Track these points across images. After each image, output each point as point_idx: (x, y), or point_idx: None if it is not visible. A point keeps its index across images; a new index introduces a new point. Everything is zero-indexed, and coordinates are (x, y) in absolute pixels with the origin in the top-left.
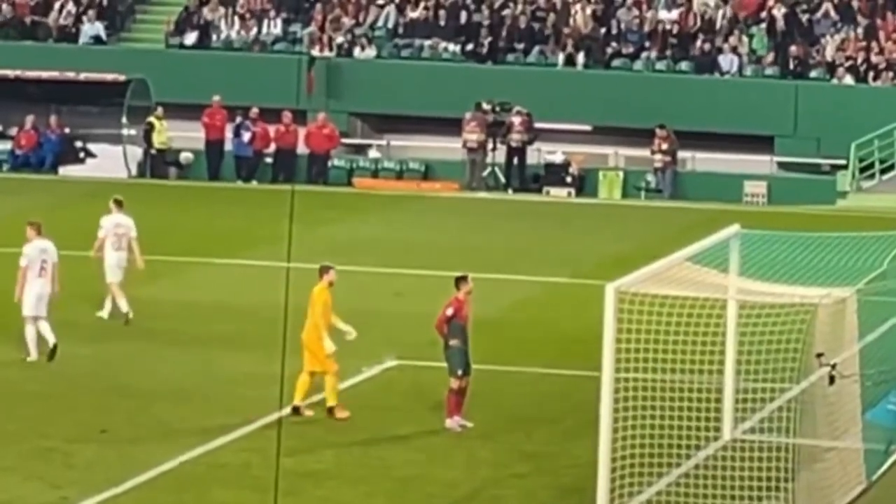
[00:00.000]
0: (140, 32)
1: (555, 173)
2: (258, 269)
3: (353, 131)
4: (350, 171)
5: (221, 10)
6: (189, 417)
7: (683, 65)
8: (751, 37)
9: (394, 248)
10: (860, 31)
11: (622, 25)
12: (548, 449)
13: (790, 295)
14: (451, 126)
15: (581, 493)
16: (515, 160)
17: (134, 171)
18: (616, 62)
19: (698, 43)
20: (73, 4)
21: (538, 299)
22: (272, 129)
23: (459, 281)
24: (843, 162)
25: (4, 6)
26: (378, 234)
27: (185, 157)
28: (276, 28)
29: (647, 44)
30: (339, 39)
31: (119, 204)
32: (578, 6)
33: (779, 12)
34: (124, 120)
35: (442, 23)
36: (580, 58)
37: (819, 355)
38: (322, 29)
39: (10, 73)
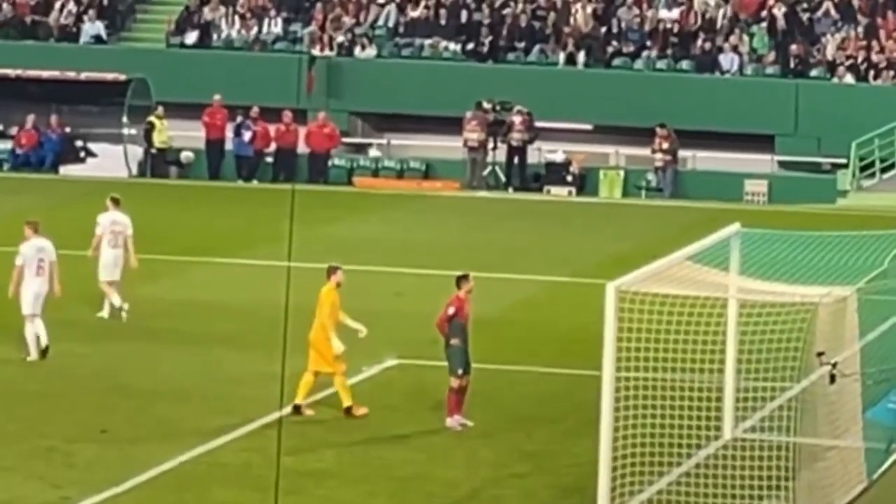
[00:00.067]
0: (141, 32)
1: (555, 172)
2: (259, 269)
3: (354, 130)
4: (350, 171)
5: (222, 9)
6: (189, 417)
7: (684, 64)
8: (751, 36)
9: (394, 247)
10: (861, 30)
11: (623, 24)
12: (548, 448)
13: (791, 294)
14: (452, 125)
15: (582, 492)
16: (516, 159)
17: (134, 170)
18: (617, 61)
19: (699, 42)
20: (73, 4)
21: (539, 298)
22: (273, 129)
23: (460, 280)
24: (843, 161)
25: (5, 6)
26: (378, 233)
27: (186, 156)
28: (277, 27)
29: (647, 43)
30: (340, 39)
31: (116, 202)
32: (579, 5)
33: (779, 11)
34: (125, 119)
35: (442, 22)
36: (581, 57)
37: (820, 354)
38: (322, 28)
39: (11, 72)
